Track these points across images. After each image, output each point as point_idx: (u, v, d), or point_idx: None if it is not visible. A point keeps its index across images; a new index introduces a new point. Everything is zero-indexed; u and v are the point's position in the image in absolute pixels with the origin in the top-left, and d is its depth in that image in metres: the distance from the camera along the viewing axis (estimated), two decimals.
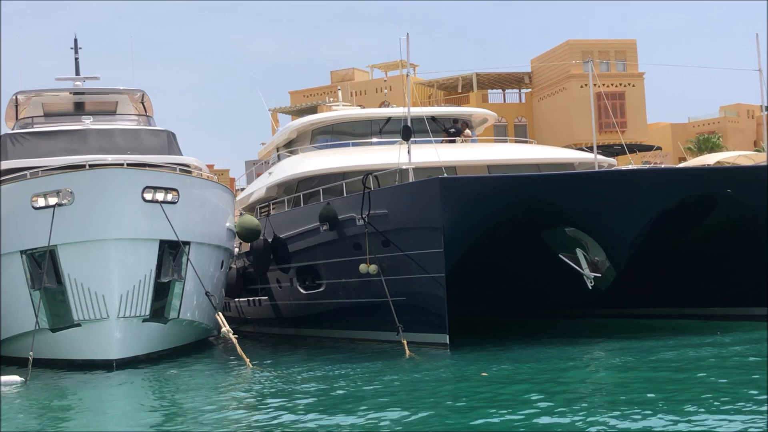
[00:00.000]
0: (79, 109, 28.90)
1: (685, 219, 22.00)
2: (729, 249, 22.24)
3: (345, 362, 18.58)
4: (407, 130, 21.20)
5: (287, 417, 12.09)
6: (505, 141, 36.81)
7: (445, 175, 20.07)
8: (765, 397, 11.93)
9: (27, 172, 21.37)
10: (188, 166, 25.76)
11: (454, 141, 28.29)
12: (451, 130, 28.74)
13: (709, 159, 38.16)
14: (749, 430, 10.00)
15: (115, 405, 15.26)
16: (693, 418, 10.76)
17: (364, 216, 21.14)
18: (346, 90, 62.70)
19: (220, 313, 19.18)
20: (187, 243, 21.02)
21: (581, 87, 63.41)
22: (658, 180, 21.33)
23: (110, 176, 19.34)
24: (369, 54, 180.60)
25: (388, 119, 28.24)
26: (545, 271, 22.77)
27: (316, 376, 16.47)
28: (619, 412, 11.28)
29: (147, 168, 21.02)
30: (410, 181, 20.95)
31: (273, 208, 28.46)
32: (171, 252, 20.66)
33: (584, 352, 18.20)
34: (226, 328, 18.67)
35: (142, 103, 29.79)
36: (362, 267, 21.51)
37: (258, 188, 30.38)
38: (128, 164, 20.58)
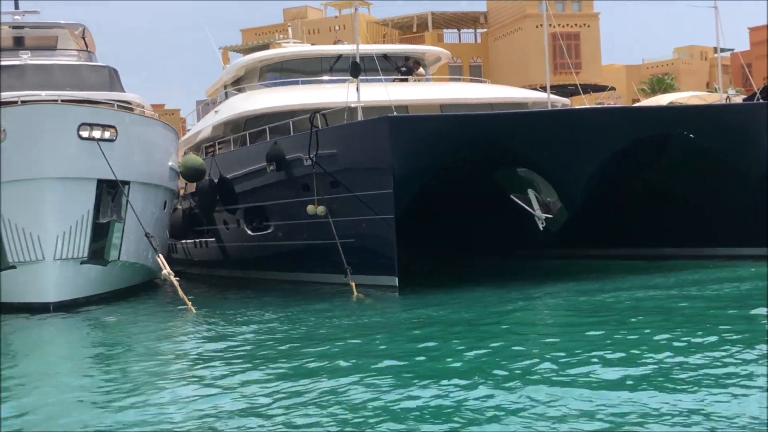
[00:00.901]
0: (19, 44, 27.76)
1: (639, 160, 21.64)
2: (682, 190, 21.97)
3: (289, 306, 18.08)
4: (356, 67, 20.55)
5: (223, 368, 11.54)
6: (459, 81, 36.11)
7: (395, 114, 19.48)
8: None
9: None
10: (130, 103, 24.92)
11: (406, 80, 27.63)
12: (403, 68, 28.08)
13: (662, 99, 38.00)
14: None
15: (43, 352, 14.64)
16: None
17: (311, 156, 20.53)
18: (298, 28, 61.48)
19: (160, 255, 18.55)
20: (127, 183, 20.31)
21: (536, 27, 62.66)
22: (611, 120, 20.92)
23: (44, 112, 18.50)
24: None
25: (339, 57, 27.42)
26: (498, 212, 22.32)
27: (258, 320, 15.94)
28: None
29: (83, 104, 20.16)
30: (359, 119, 20.34)
31: (219, 148, 27.71)
32: (110, 192, 19.94)
33: (527, 295, 17.80)
34: (166, 270, 18.07)
35: (84, 39, 28.70)
36: (310, 208, 20.98)
37: (204, 127, 29.59)
38: (63, 100, 19.71)
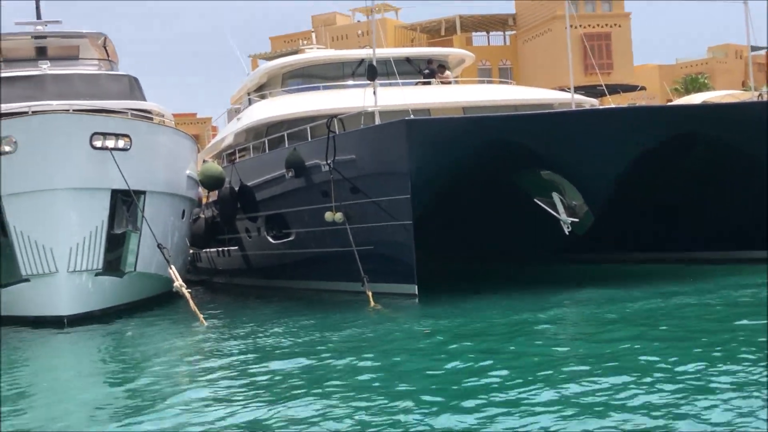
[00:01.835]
0: (42, 54, 27.66)
1: (666, 160, 20.94)
2: (711, 190, 21.23)
3: (303, 316, 17.64)
4: (372, 70, 20.12)
5: (224, 386, 11.11)
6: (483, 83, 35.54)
7: (412, 117, 19.00)
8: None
9: None
10: (150, 112, 24.68)
11: (429, 83, 27.17)
12: (426, 71, 27.61)
13: (695, 99, 37.19)
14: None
15: (51, 368, 14.33)
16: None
17: (329, 162, 20.13)
18: (326, 35, 61.22)
19: (172, 267, 18.13)
20: (142, 192, 19.99)
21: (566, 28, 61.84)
22: (636, 119, 20.29)
23: (55, 122, 18.20)
24: None
25: (361, 61, 26.99)
26: (520, 216, 21.71)
27: (268, 335, 15.45)
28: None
29: (95, 113, 19.87)
30: (376, 124, 19.90)
31: (240, 155, 27.39)
32: (125, 202, 19.63)
33: (554, 302, 17.17)
34: (178, 282, 17.68)
35: (105, 48, 28.54)
36: (328, 215, 20.59)
37: (227, 134, 29.34)
38: (75, 110, 19.43)
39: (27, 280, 18.93)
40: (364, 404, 9.31)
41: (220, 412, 9.41)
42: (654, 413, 8.18)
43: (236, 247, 27.76)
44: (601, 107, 24.19)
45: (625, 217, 21.87)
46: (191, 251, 33.37)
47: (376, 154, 19.51)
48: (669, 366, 10.15)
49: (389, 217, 19.38)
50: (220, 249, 29.19)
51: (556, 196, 20.59)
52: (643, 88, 35.58)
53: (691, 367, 10.01)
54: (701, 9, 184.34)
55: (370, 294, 18.59)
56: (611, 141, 19.42)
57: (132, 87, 25.67)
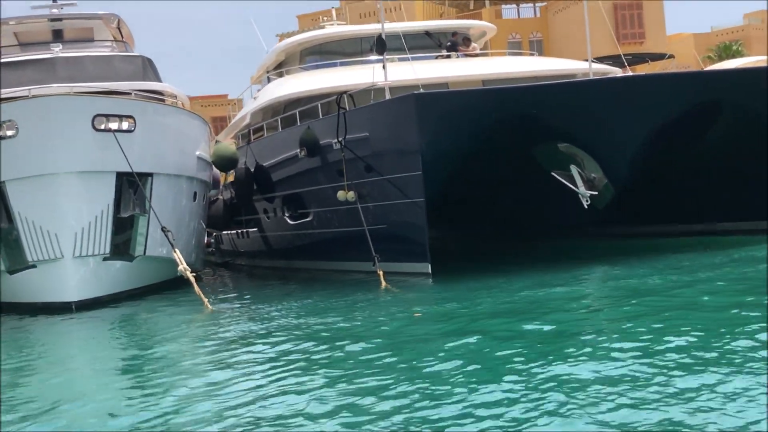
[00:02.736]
0: (58, 37, 27.37)
1: (689, 130, 20.09)
2: (735, 161, 20.36)
3: (313, 299, 17.17)
4: (381, 43, 19.57)
5: (226, 374, 10.65)
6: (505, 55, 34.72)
7: (422, 91, 18.39)
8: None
9: None
10: (160, 93, 24.26)
11: (449, 56, 26.48)
12: (447, 44, 26.92)
13: (726, 65, 36.13)
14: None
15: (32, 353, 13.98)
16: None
17: (340, 140, 19.62)
18: (351, 12, 60.46)
19: (177, 250, 17.71)
20: (149, 174, 19.60)
21: None
22: (657, 87, 19.51)
23: (56, 105, 17.81)
24: None
25: (378, 36, 26.37)
26: (538, 190, 20.99)
27: (274, 318, 14.98)
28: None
29: (98, 95, 19.47)
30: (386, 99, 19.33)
31: (255, 135, 26.94)
32: (131, 184, 19.25)
33: (575, 277, 16.57)
34: (182, 266, 17.26)
35: (119, 29, 28.21)
36: (340, 194, 20.15)
37: (244, 114, 28.91)
38: (77, 92, 19.04)
39: (34, 266, 18.65)
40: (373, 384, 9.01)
41: (219, 399, 9.03)
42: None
43: (255, 229, 27.38)
44: (618, 75, 23.37)
45: (648, 189, 21.11)
46: (214, 233, 33.11)
47: (387, 130, 18.96)
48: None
49: (401, 194, 18.85)
50: (240, 230, 28.84)
51: (574, 169, 19.89)
52: (671, 56, 34.61)
53: None
54: None
55: (381, 273, 18.08)
56: (632, 110, 18.70)
57: (145, 68, 25.25)
